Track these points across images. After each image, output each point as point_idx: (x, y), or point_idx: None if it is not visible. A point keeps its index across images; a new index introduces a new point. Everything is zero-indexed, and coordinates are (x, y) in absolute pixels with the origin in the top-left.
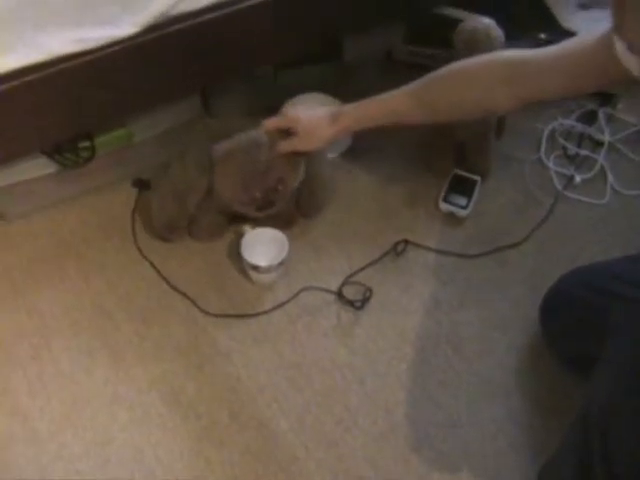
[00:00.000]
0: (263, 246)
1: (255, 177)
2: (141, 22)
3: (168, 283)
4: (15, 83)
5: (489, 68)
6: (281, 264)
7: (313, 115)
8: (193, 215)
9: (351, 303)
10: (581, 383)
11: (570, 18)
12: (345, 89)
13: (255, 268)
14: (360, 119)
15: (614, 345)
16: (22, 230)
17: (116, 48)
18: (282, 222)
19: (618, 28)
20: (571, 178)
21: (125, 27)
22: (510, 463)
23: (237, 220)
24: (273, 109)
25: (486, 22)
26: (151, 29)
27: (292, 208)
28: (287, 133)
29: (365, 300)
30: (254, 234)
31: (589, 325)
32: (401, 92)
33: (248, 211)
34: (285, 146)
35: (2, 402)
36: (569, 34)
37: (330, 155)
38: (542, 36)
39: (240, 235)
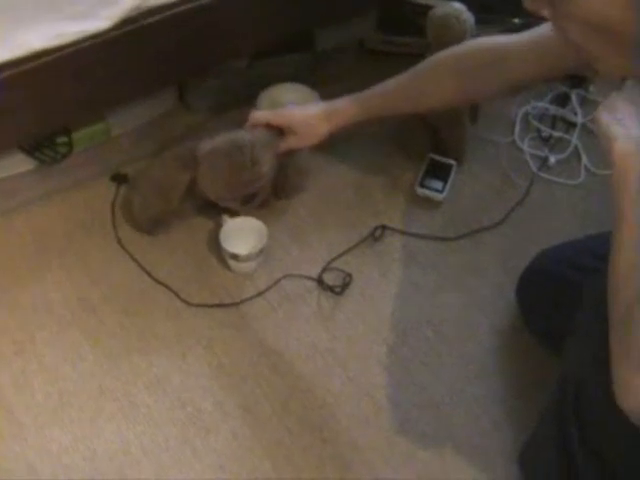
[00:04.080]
0: (242, 235)
1: (238, 178)
2: (115, 15)
3: (150, 275)
4: None
5: (474, 53)
6: (260, 252)
7: (306, 112)
8: (177, 209)
9: (331, 289)
10: (560, 360)
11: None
12: (318, 78)
13: (234, 257)
14: (352, 116)
15: (581, 316)
16: (3, 228)
17: (92, 42)
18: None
19: None
20: (545, 159)
21: (100, 21)
22: (494, 442)
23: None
24: (248, 99)
25: (457, 7)
26: (125, 22)
27: (267, 191)
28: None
29: (345, 286)
30: (233, 223)
31: (564, 300)
32: (390, 85)
33: (233, 206)
34: (282, 146)
35: None
36: (542, 19)
37: None
38: (516, 21)
39: (219, 225)
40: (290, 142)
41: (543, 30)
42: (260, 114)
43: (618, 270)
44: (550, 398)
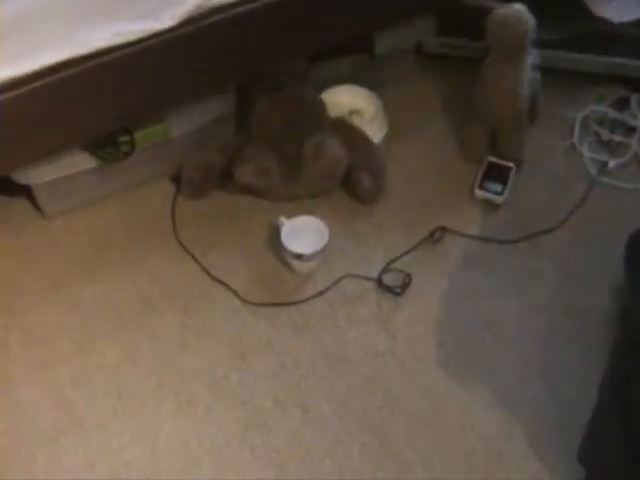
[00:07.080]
0: (302, 235)
1: None
2: (178, 15)
3: (209, 274)
4: (55, 77)
5: None
6: (322, 251)
7: None
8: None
9: (391, 290)
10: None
11: (603, 6)
12: (376, 80)
13: (299, 257)
14: None
15: None
16: (63, 227)
17: (154, 41)
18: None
19: None
20: (605, 164)
21: (163, 20)
22: (554, 442)
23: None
24: None
25: (517, 8)
26: (188, 22)
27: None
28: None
29: (405, 286)
30: (293, 223)
31: None
32: None
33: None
34: None
35: (49, 396)
36: (602, 22)
37: None
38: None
39: (278, 226)
40: None
41: None
42: None
43: None
44: (606, 378)
